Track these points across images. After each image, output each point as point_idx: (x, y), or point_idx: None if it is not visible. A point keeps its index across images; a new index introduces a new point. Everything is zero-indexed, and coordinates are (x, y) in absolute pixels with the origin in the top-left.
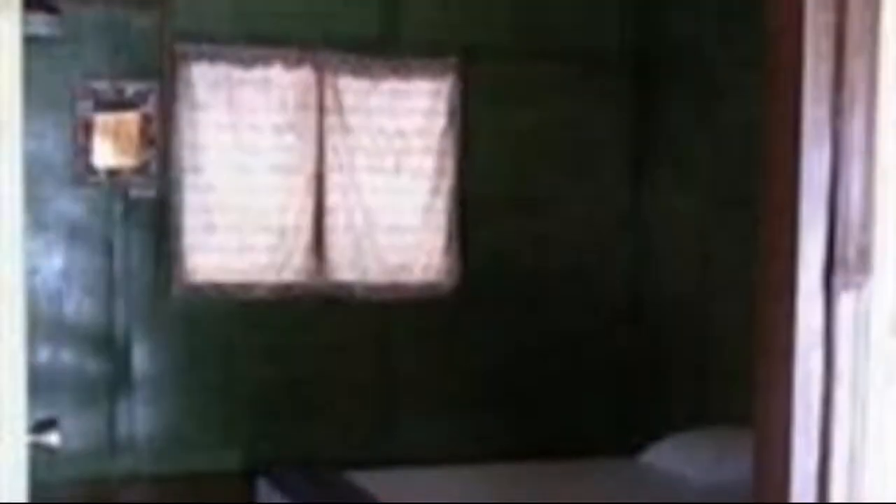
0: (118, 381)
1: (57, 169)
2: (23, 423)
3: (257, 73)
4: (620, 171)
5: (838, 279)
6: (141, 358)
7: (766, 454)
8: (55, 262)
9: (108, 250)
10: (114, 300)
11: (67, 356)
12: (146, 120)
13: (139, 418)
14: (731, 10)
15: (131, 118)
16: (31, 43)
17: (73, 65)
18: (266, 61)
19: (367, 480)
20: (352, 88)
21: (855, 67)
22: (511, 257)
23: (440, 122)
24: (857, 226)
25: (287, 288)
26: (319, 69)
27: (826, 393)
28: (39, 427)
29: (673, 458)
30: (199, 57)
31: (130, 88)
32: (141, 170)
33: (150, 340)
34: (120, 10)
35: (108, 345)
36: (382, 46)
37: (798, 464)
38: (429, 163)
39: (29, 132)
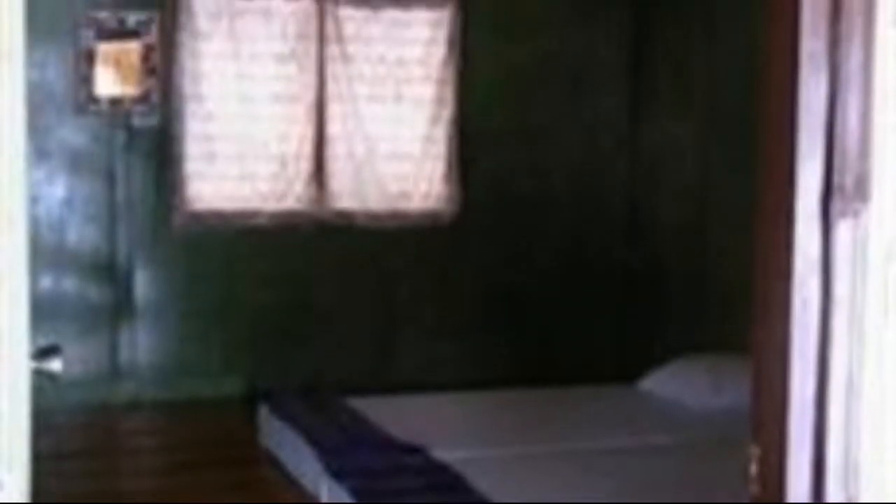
0: (120, 308)
1: (59, 98)
2: (25, 349)
3: (258, 2)
4: (619, 99)
5: (836, 206)
6: (142, 285)
7: (763, 380)
8: (57, 190)
9: (110, 179)
10: (116, 228)
11: (70, 284)
12: (148, 49)
13: (141, 345)
14: None
15: (133, 47)
16: None
17: None
18: None
19: (367, 406)
20: (352, 17)
21: None
22: (511, 185)
23: (440, 51)
24: (854, 154)
25: (288, 216)
26: None
27: (824, 319)
28: (42, 353)
29: (671, 384)
30: None
31: (132, 18)
32: (143, 99)
33: (152, 268)
34: None
35: (110, 272)
36: None
37: (796, 389)
38: (429, 92)
39: (31, 61)
